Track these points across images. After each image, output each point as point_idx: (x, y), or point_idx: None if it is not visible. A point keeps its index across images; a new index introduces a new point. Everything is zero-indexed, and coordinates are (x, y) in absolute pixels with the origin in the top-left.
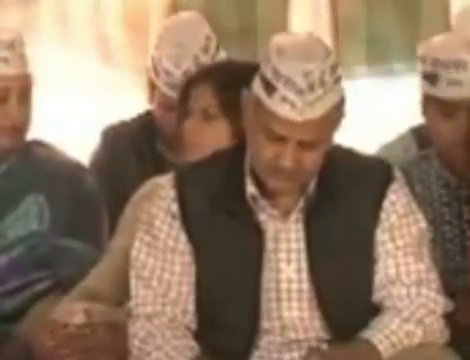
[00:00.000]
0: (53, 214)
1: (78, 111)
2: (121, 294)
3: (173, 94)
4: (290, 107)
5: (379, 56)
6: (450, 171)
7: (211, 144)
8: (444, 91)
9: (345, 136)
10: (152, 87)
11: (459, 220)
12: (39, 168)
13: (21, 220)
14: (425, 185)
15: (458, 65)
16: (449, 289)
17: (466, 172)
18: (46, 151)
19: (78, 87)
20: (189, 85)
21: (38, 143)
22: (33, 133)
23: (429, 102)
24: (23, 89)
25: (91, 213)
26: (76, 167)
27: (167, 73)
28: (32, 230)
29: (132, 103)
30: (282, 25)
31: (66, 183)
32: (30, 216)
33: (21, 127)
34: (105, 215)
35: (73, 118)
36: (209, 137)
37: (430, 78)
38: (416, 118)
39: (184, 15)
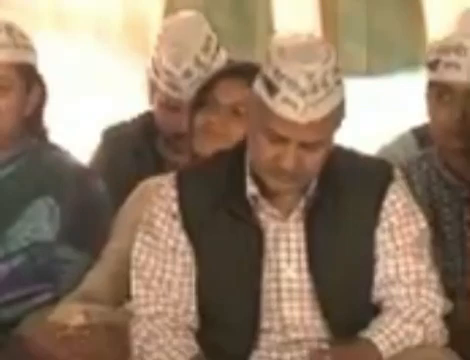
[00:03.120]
0: (62, 216)
1: (78, 110)
2: (117, 297)
3: (173, 94)
4: (292, 108)
5: (379, 56)
6: (451, 172)
7: (235, 139)
8: (442, 73)
9: (345, 136)
10: (152, 87)
11: (460, 221)
12: (48, 171)
13: (31, 222)
14: (426, 186)
15: (458, 50)
16: (449, 290)
17: (466, 172)
18: (56, 154)
19: (78, 86)
20: (216, 78)
21: (49, 146)
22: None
23: (429, 89)
24: (2, 79)
25: (98, 219)
26: (86, 172)
27: (167, 73)
28: (42, 233)
29: (132, 102)
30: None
31: (74, 187)
32: (41, 218)
33: None
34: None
35: (73, 117)
36: (234, 132)
37: (432, 65)
38: (416, 118)
39: (184, 15)
